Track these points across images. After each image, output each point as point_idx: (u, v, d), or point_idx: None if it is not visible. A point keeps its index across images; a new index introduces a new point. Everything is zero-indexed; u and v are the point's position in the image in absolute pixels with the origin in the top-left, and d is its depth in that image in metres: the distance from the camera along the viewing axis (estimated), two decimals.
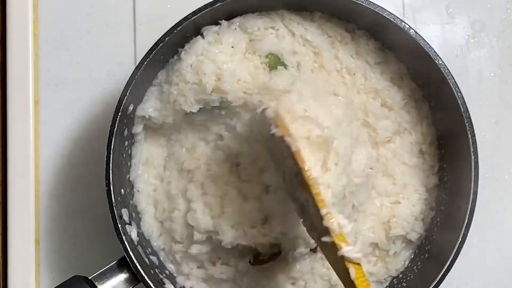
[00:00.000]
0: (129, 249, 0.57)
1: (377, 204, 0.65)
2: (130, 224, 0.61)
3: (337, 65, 0.64)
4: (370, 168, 0.62)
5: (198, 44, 0.61)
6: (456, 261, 0.59)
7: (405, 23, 0.59)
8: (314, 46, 0.64)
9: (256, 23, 0.62)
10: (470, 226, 0.59)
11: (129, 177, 0.64)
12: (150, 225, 0.65)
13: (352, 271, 0.46)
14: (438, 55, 0.59)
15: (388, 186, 0.65)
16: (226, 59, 0.61)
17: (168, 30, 0.58)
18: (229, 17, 0.63)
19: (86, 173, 0.70)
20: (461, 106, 0.59)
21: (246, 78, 0.60)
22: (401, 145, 0.66)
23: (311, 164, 0.50)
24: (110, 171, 0.57)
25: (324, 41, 0.64)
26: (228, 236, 0.60)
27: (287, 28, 0.64)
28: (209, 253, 0.63)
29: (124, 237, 0.57)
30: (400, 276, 0.66)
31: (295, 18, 0.64)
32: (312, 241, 0.56)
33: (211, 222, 0.61)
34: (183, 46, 0.63)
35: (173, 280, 0.63)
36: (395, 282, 0.66)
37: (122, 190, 0.61)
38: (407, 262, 0.66)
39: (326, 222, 0.47)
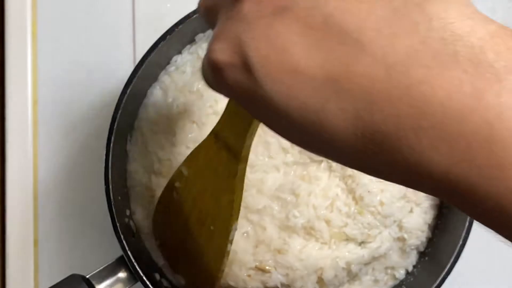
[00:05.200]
0: (127, 248, 0.57)
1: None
2: (128, 223, 0.61)
3: None
4: None
5: None
6: (457, 263, 0.59)
7: None
8: None
9: None
10: (471, 228, 0.58)
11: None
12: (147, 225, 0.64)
13: None
14: None
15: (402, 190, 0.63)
16: None
17: (170, 29, 0.58)
18: None
19: (85, 173, 0.70)
20: None
21: None
22: None
23: None
24: (109, 170, 0.57)
25: None
26: None
27: None
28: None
29: (122, 236, 0.57)
30: (401, 279, 0.66)
31: None
32: None
33: None
34: (184, 46, 0.63)
35: (171, 279, 0.63)
36: (395, 285, 0.66)
37: (121, 189, 0.61)
38: (410, 268, 0.65)
39: None
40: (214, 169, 0.50)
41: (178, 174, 0.56)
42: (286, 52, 0.28)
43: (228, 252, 0.54)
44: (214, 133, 0.48)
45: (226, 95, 0.33)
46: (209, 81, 0.34)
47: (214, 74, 0.31)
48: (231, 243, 0.54)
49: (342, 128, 0.27)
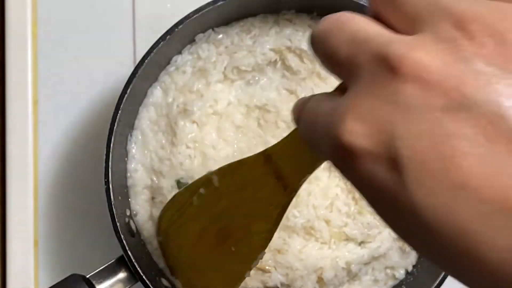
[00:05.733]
0: (127, 248, 0.57)
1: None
2: (128, 223, 0.61)
3: None
4: None
5: None
6: None
7: None
8: (309, 54, 0.63)
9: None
10: None
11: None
12: (147, 225, 0.64)
13: None
14: None
15: None
16: None
17: (170, 29, 0.57)
18: (233, 17, 0.63)
19: (86, 173, 0.70)
20: None
21: None
22: None
23: None
24: (109, 170, 0.57)
25: None
26: None
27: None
28: None
29: (122, 236, 0.57)
30: (401, 279, 0.66)
31: (289, 29, 0.64)
32: None
33: None
34: (184, 46, 0.63)
35: (170, 280, 0.63)
36: (395, 285, 0.66)
37: (121, 188, 0.61)
38: (410, 268, 0.65)
39: None
40: (254, 192, 0.45)
41: (206, 180, 0.51)
42: (453, 162, 0.22)
43: (244, 278, 0.50)
44: (266, 155, 0.43)
45: (351, 182, 0.27)
46: (325, 156, 0.28)
47: (342, 159, 0.26)
48: (251, 270, 0.50)
49: (506, 269, 0.22)
